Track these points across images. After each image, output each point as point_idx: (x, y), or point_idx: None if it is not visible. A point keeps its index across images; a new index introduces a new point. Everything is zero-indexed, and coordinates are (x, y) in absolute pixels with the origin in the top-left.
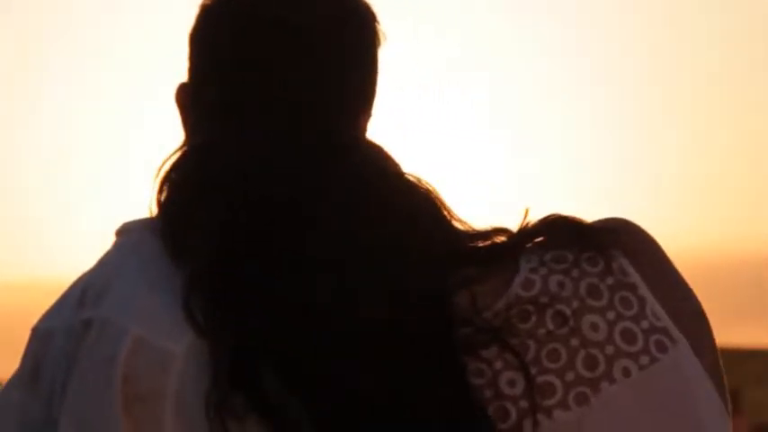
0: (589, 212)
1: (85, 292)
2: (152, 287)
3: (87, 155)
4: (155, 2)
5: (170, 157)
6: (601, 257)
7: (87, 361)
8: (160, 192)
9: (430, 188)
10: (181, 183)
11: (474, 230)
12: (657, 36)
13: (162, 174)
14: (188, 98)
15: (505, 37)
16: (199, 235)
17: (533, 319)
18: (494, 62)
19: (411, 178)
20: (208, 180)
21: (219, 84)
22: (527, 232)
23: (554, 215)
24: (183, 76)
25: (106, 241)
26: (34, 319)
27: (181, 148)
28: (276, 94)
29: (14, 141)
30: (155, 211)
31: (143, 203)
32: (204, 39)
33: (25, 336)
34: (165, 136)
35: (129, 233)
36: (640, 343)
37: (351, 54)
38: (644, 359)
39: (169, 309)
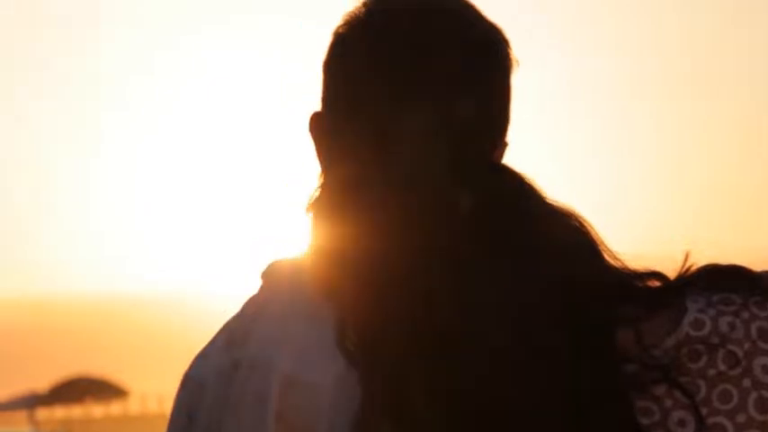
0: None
1: (233, 334)
2: (298, 323)
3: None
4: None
5: (316, 190)
6: None
7: (240, 402)
8: (314, 226)
9: (584, 221)
10: (330, 217)
11: (630, 269)
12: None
13: (309, 207)
14: (324, 127)
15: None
16: (351, 269)
17: (704, 358)
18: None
19: (565, 209)
20: (359, 213)
21: (358, 113)
22: (688, 277)
23: (713, 264)
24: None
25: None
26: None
27: (321, 180)
28: (424, 132)
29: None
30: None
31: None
32: (340, 67)
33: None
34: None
35: (274, 274)
36: None
37: (489, 81)
38: None
39: (316, 342)
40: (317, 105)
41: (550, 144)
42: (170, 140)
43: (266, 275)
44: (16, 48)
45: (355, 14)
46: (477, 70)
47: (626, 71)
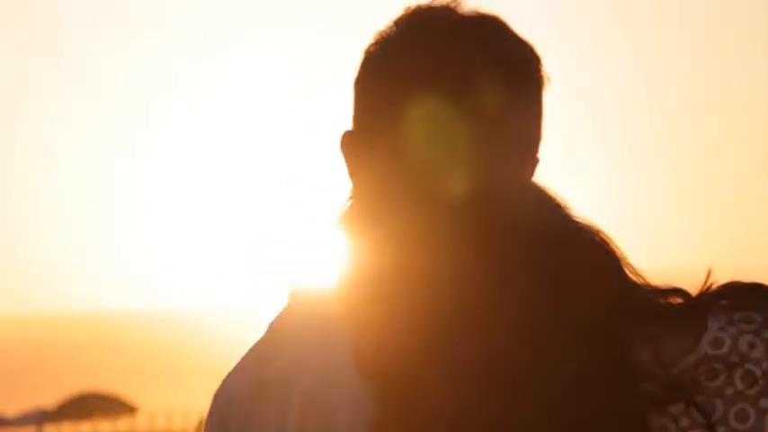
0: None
1: (258, 355)
2: (319, 344)
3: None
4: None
5: (344, 207)
6: None
7: (263, 419)
8: (345, 239)
9: (608, 238)
10: (355, 236)
11: (652, 286)
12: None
13: (337, 223)
14: (355, 145)
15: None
16: (369, 290)
17: (722, 377)
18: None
19: (589, 225)
20: (385, 231)
21: (388, 131)
22: (710, 295)
23: (735, 281)
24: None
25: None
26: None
27: (351, 197)
28: (449, 146)
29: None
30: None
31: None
32: (371, 85)
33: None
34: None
35: (298, 294)
36: None
37: (521, 97)
38: None
39: (335, 363)
40: (317, 105)
41: (554, 150)
42: (179, 153)
43: (292, 295)
44: (16, 48)
45: (387, 33)
46: (510, 86)
47: (627, 72)
